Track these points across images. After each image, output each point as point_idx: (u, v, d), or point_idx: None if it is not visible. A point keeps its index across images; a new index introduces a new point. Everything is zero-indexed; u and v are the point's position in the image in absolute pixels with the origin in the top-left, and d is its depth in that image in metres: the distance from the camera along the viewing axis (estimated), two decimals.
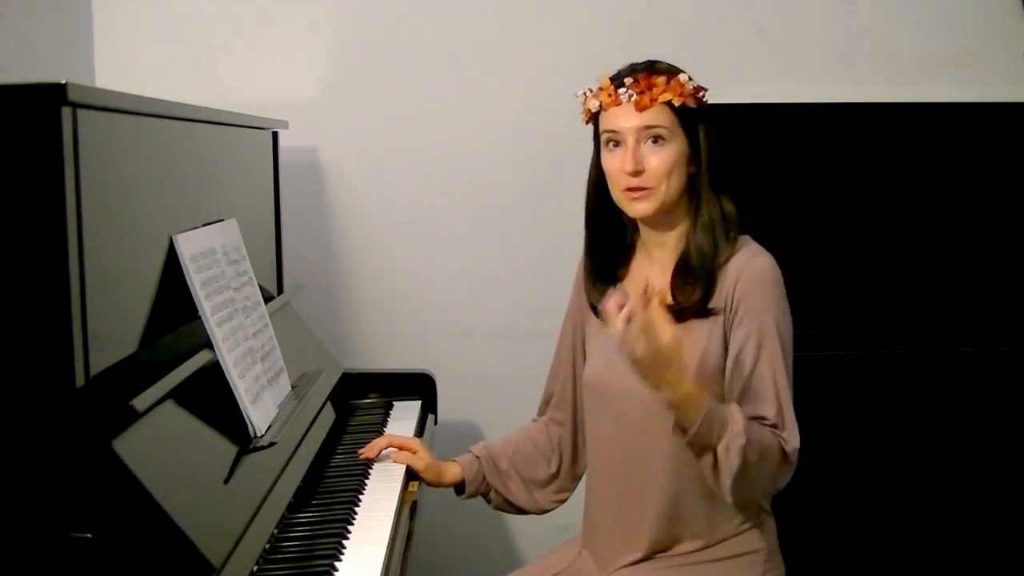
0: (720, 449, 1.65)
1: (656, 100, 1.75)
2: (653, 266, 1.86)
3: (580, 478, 2.03)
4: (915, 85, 2.74)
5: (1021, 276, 2.64)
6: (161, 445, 1.41)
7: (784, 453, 1.72)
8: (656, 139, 1.76)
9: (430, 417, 2.39)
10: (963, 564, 2.55)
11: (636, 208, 1.78)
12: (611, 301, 1.59)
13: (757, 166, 2.56)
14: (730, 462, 1.64)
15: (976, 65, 2.76)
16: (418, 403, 2.42)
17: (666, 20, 2.74)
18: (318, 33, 2.75)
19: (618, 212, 1.84)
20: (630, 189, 1.77)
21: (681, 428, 1.66)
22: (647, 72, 1.77)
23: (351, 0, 2.74)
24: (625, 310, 1.56)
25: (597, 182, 1.85)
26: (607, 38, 2.72)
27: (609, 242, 1.89)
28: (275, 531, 1.62)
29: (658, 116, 1.76)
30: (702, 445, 1.66)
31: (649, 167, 1.75)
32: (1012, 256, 2.64)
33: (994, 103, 2.68)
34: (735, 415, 1.66)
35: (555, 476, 2.01)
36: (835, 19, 2.77)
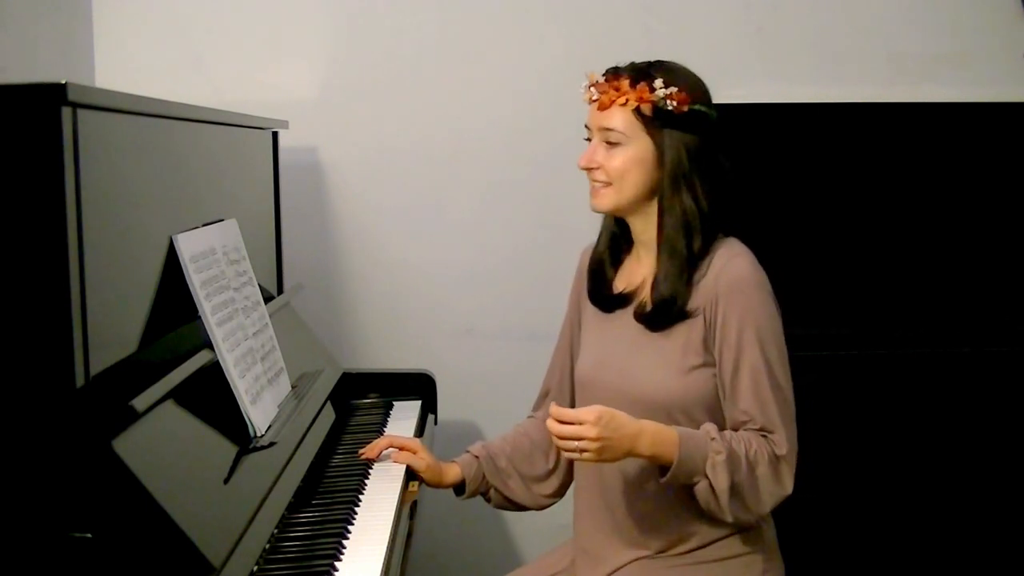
0: (708, 469, 1.68)
1: (613, 103, 1.79)
2: (642, 263, 1.87)
3: None
4: (915, 85, 2.74)
5: (1021, 276, 2.64)
6: (161, 445, 1.41)
7: (775, 458, 1.73)
8: (612, 141, 1.80)
9: (430, 417, 2.39)
10: (963, 564, 2.55)
11: (592, 202, 1.84)
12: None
13: (757, 166, 2.56)
14: (719, 481, 1.67)
15: (976, 65, 2.76)
16: (418, 403, 2.42)
17: (666, 20, 2.74)
18: (318, 33, 2.75)
19: None
20: (594, 181, 1.83)
21: (665, 470, 1.69)
22: (616, 75, 1.81)
23: (351, 0, 2.75)
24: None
25: None
26: (607, 38, 2.72)
27: (618, 226, 1.90)
28: (275, 531, 1.61)
29: (613, 119, 1.79)
30: (689, 473, 1.69)
31: (603, 165, 1.80)
32: (1011, 256, 2.64)
33: (994, 103, 2.68)
34: (712, 432, 1.70)
35: (553, 471, 2.01)
36: (835, 19, 2.76)
